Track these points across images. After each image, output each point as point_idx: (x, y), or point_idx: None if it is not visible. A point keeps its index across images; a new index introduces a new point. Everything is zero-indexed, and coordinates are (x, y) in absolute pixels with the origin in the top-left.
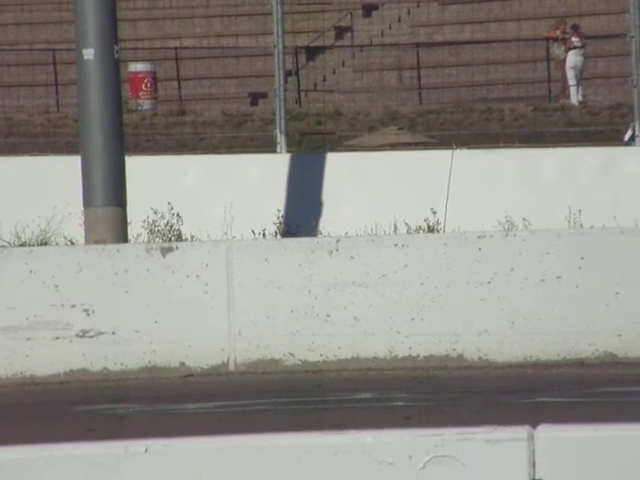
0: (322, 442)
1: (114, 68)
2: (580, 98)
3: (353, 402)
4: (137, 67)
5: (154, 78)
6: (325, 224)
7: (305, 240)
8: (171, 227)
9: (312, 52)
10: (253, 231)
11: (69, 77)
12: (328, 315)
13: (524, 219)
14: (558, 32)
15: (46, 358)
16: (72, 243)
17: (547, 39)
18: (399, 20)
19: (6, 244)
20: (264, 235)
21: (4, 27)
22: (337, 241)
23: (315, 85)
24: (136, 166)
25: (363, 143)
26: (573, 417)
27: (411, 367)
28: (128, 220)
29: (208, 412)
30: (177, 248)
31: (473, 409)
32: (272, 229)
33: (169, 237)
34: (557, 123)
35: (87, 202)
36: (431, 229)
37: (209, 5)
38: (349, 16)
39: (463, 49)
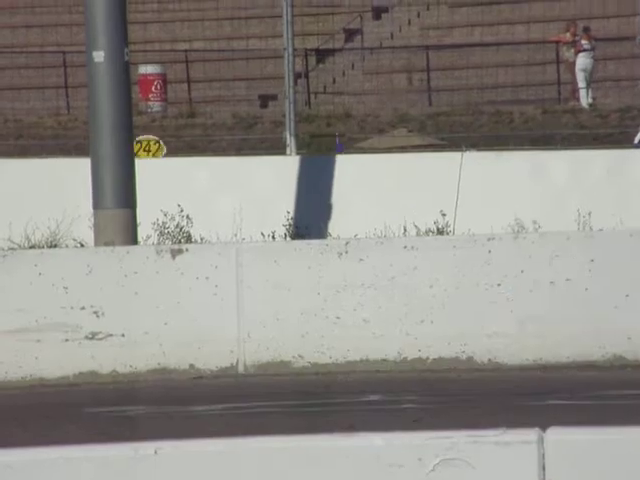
0: (331, 445)
1: (124, 70)
2: (590, 101)
3: (362, 404)
4: (147, 69)
5: (164, 80)
6: (334, 226)
7: (314, 242)
8: (181, 229)
9: (322, 54)
10: (262, 233)
11: (79, 80)
12: (337, 317)
13: (534, 221)
14: (568, 35)
15: (55, 360)
16: (82, 245)
17: (557, 42)
18: (409, 23)
19: (16, 246)
20: (273, 237)
21: (15, 29)
22: (346, 243)
23: (325, 87)
24: (146, 168)
25: (373, 145)
26: (583, 420)
27: (420, 369)
28: (138, 222)
29: (217, 414)
30: (187, 250)
31: (483, 412)
32: (281, 231)
33: (179, 239)
34: (567, 125)
35: (97, 204)
36: (440, 231)
37: (219, 7)
38: (359, 19)
39: (473, 52)
